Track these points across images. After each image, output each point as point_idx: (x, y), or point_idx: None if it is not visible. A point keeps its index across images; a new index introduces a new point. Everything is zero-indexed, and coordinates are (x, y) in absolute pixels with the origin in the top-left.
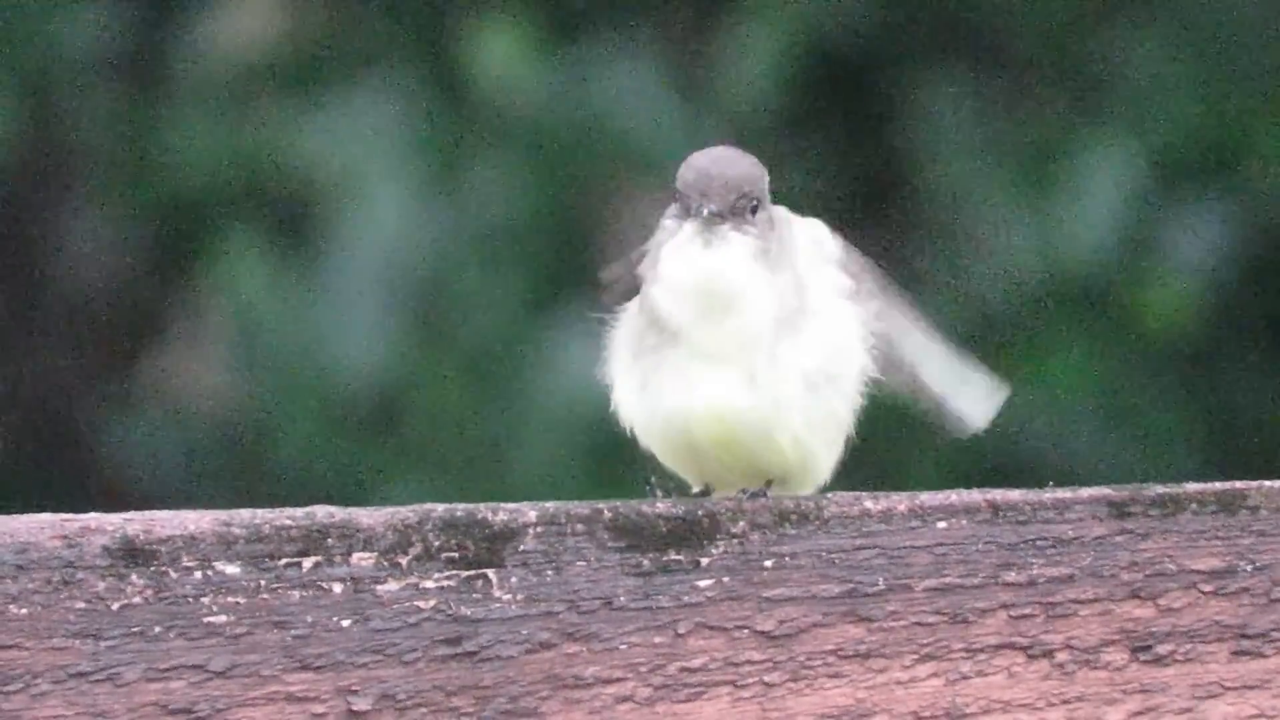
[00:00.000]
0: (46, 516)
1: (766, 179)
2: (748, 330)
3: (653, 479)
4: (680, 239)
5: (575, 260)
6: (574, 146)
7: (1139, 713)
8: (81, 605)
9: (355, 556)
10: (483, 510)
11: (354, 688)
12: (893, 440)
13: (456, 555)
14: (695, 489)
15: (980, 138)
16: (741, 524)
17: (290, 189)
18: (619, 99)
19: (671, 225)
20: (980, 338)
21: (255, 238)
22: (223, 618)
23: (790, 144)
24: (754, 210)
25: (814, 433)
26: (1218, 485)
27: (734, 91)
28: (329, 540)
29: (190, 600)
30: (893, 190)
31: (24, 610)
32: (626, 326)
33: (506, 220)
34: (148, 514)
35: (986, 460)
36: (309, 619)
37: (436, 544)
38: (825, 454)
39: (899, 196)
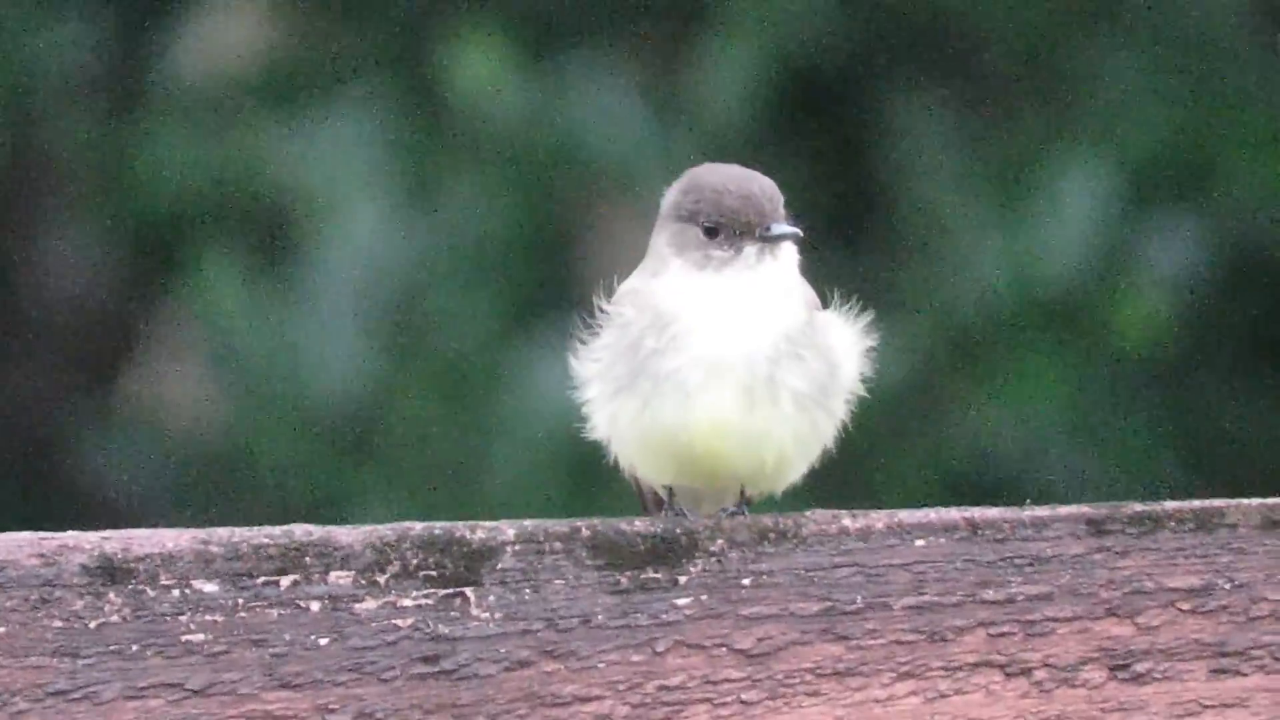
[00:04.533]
0: (24, 535)
1: None
2: (764, 342)
3: (672, 500)
4: (746, 261)
5: (552, 277)
6: (550, 163)
7: None
8: (59, 623)
9: (333, 575)
10: (461, 528)
11: (332, 706)
12: (871, 458)
13: (434, 573)
14: (663, 491)
15: (956, 154)
16: (720, 542)
17: (267, 205)
18: (595, 115)
19: (721, 254)
20: (954, 355)
21: (232, 254)
22: (201, 636)
23: (764, 162)
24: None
25: (797, 449)
26: (1195, 503)
27: (709, 109)
28: (307, 558)
29: (168, 619)
30: (868, 208)
31: (1, 629)
32: (608, 345)
33: (483, 236)
34: (126, 532)
35: (963, 478)
36: (287, 637)
37: (414, 562)
38: (801, 465)
39: (874, 214)
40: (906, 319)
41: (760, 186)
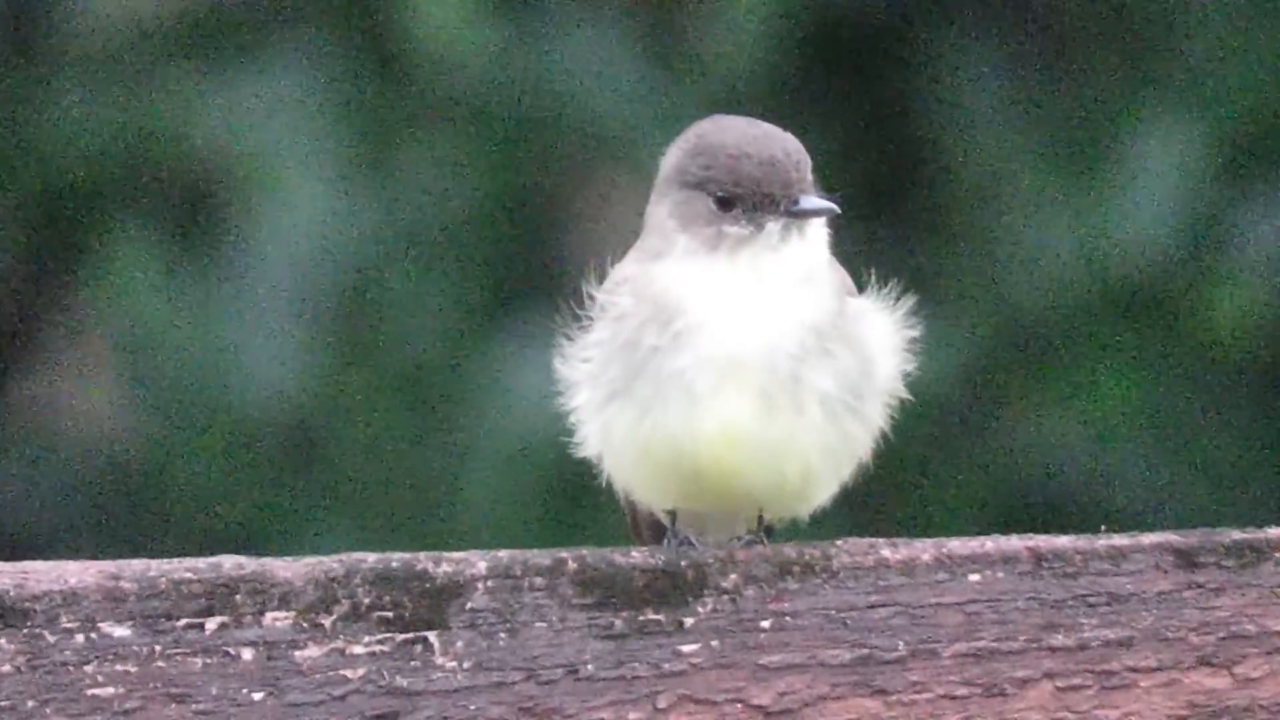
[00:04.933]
0: None
1: None
2: (786, 336)
3: (674, 526)
4: (768, 241)
5: (532, 261)
6: (528, 124)
7: None
8: None
9: (269, 616)
10: (422, 560)
11: None
12: (915, 475)
13: (391, 614)
14: (664, 516)
15: (1016, 115)
16: (733, 577)
17: (191, 176)
18: (581, 67)
19: (738, 231)
20: (1014, 352)
21: (149, 235)
22: (110, 689)
23: (786, 124)
24: None
25: (825, 462)
26: None
27: (718, 59)
28: (238, 596)
29: (71, 668)
30: (910, 180)
31: None
32: (601, 341)
33: (448, 212)
34: (20, 565)
35: (1027, 499)
36: (213, 691)
37: (367, 601)
38: (831, 482)
39: (917, 187)
40: (957, 309)
41: (785, 149)
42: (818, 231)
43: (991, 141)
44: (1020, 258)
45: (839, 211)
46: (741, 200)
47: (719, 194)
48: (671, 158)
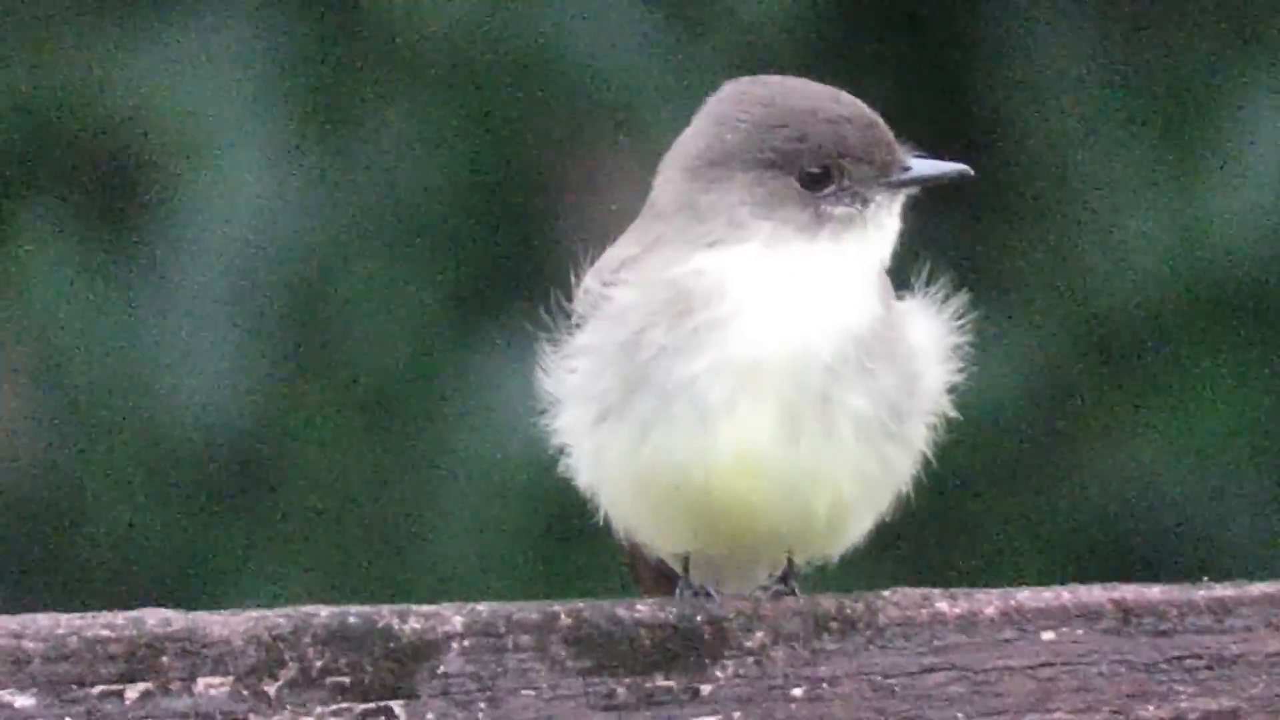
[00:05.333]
0: None
1: None
2: (823, 342)
3: (688, 574)
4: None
5: (517, 251)
6: (513, 88)
7: None
8: None
9: (202, 682)
10: (386, 615)
11: None
12: (976, 511)
13: (348, 680)
14: (674, 560)
15: (1097, 81)
16: (759, 634)
17: (106, 150)
18: (579, 20)
19: (845, 210)
20: (1096, 362)
21: (56, 220)
22: None
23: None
24: None
25: (859, 493)
26: None
27: (741, 12)
28: (164, 658)
29: None
30: (971, 155)
31: None
32: (591, 344)
33: (416, 193)
34: None
35: (1111, 540)
36: None
37: (319, 664)
38: (866, 517)
39: (980, 163)
40: (1026, 310)
41: (860, 110)
42: (898, 208)
43: (1069, 112)
44: (1103, 249)
45: (972, 173)
46: (843, 173)
47: (813, 169)
48: (726, 131)
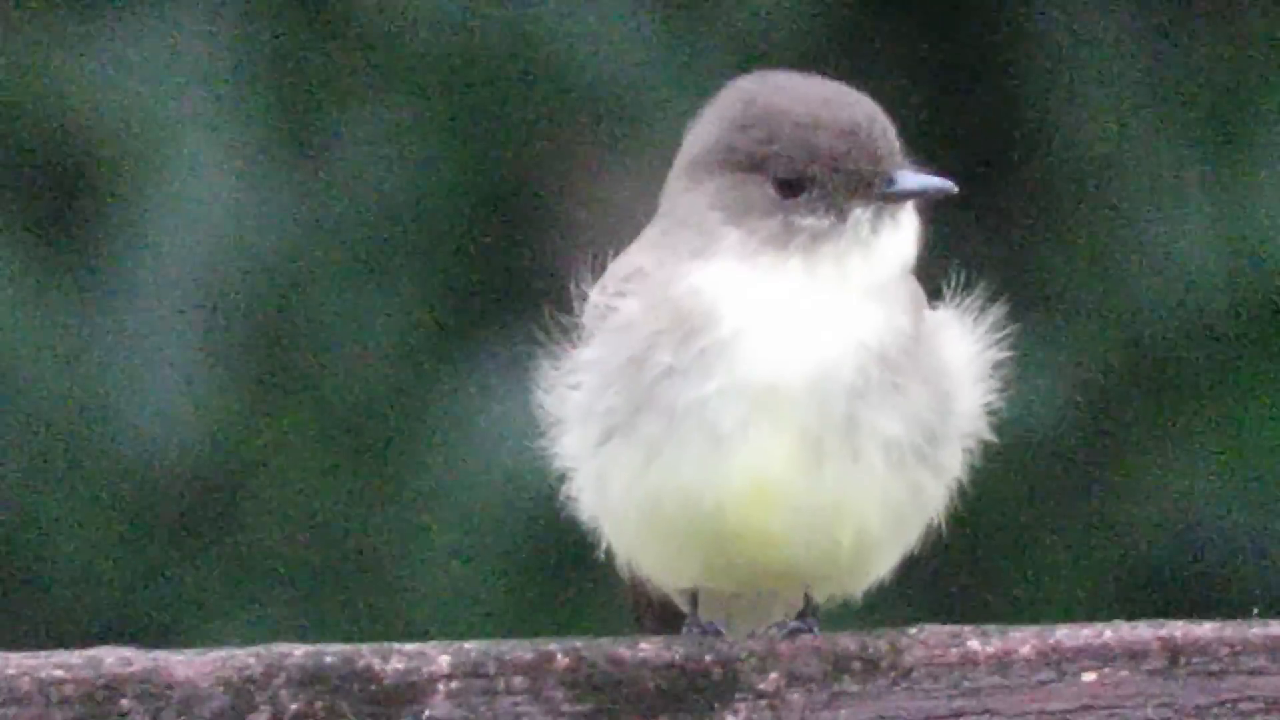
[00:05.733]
0: None
1: None
2: (844, 361)
3: (695, 610)
4: (856, 234)
5: (507, 264)
6: (504, 89)
7: None
8: None
9: None
10: (366, 655)
11: None
12: (1010, 542)
13: None
14: (680, 597)
15: (1140, 78)
16: (774, 676)
17: (60, 156)
18: (574, 17)
19: (814, 223)
20: (1140, 380)
21: (8, 229)
22: None
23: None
24: None
25: (887, 525)
26: None
27: (751, 5)
28: (123, 700)
29: None
30: (1004, 158)
31: None
32: (597, 360)
33: (395, 201)
34: None
35: (1156, 572)
36: None
37: (294, 708)
38: (894, 551)
39: (1014, 167)
40: (1066, 326)
41: (868, 112)
42: (911, 220)
43: (1110, 112)
44: (1148, 260)
45: (955, 190)
46: (816, 183)
47: (784, 176)
48: (707, 130)
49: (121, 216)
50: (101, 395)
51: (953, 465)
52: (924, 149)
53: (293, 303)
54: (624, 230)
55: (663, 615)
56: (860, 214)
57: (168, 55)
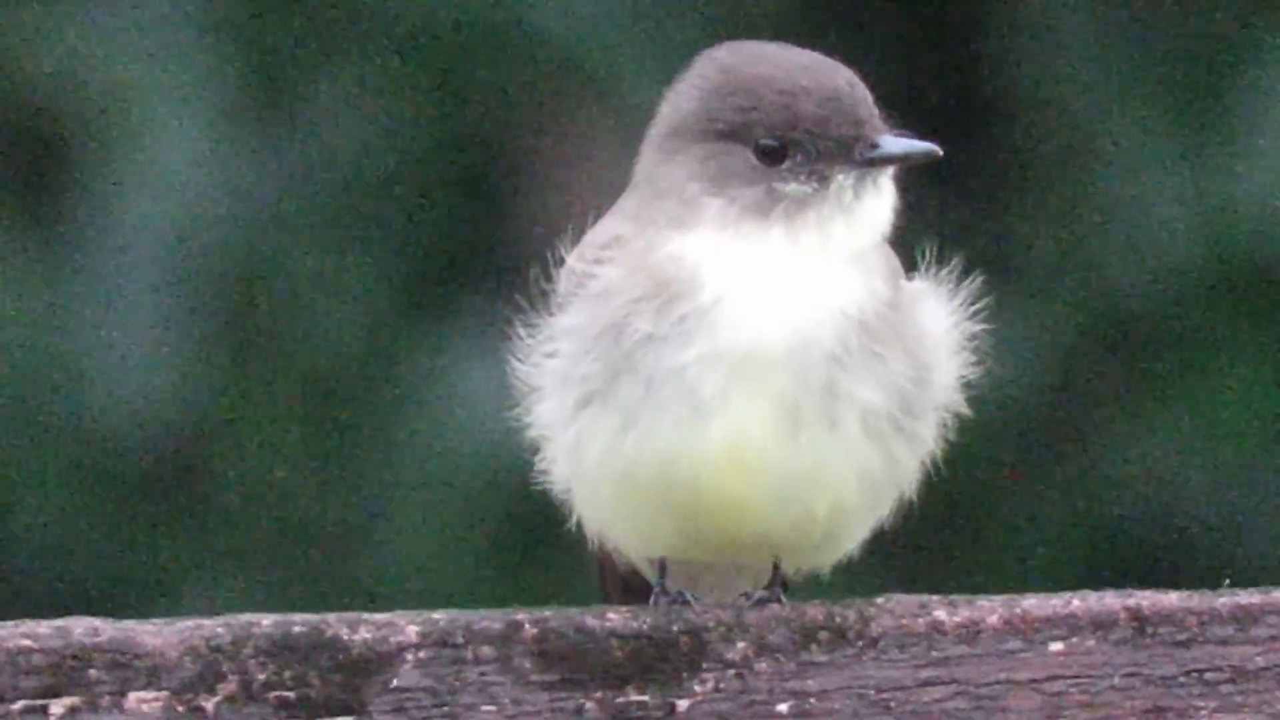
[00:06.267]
0: None
1: None
2: (824, 329)
3: (664, 579)
4: (839, 199)
5: (480, 232)
6: (477, 55)
7: None
8: None
9: (134, 697)
10: (334, 624)
11: None
12: (979, 511)
13: (293, 695)
14: (649, 568)
15: (1113, 45)
16: (741, 645)
17: (28, 121)
18: None
19: (797, 189)
20: (1112, 351)
21: None
22: None
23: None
24: None
25: (863, 496)
26: None
27: None
28: (92, 671)
29: None
30: (977, 126)
31: None
32: (575, 327)
33: (366, 168)
34: None
35: (1124, 542)
36: None
37: (261, 677)
38: (866, 522)
39: (986, 135)
40: (1038, 295)
41: (847, 78)
42: (890, 186)
43: (1083, 79)
44: (1120, 227)
45: (940, 153)
46: (798, 149)
47: (766, 142)
48: (684, 100)
49: (91, 181)
50: (70, 362)
51: (928, 437)
52: (897, 120)
53: (264, 268)
54: (599, 198)
55: (629, 588)
56: (843, 180)
57: (137, 19)
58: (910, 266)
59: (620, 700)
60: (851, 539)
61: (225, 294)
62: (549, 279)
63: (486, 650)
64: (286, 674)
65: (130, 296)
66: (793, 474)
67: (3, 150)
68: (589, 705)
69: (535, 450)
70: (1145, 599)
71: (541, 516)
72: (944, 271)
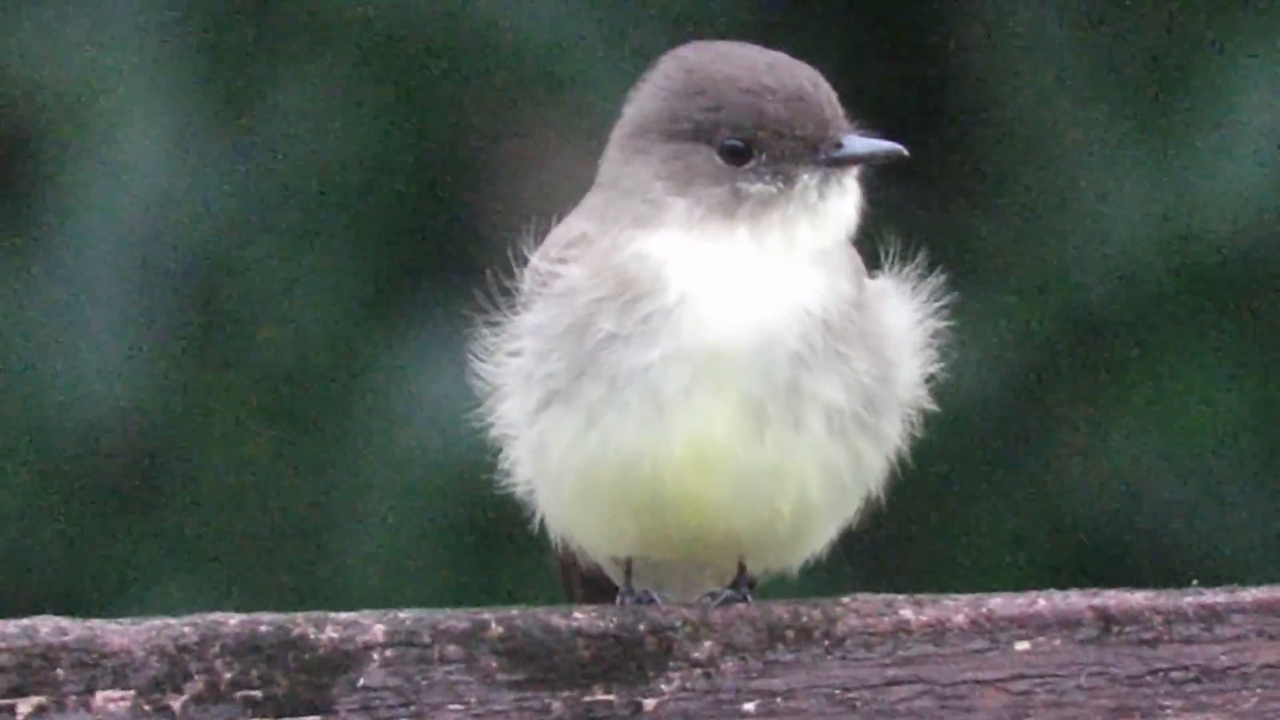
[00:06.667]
0: None
1: None
2: (789, 328)
3: (630, 579)
4: (803, 199)
5: (442, 232)
6: (440, 56)
7: None
8: None
9: (100, 696)
10: (300, 623)
11: None
12: (944, 511)
13: (260, 694)
14: (613, 568)
15: (1076, 42)
16: (708, 644)
17: None
18: None
19: (762, 189)
20: (1076, 351)
21: None
22: None
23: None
24: None
25: (828, 495)
26: None
27: None
28: (58, 671)
29: None
30: (939, 129)
31: None
32: (538, 326)
33: (328, 167)
34: None
35: (1089, 541)
36: None
37: (228, 677)
38: (833, 521)
39: (949, 139)
40: (1001, 295)
41: (813, 79)
42: (854, 187)
43: (1046, 78)
44: (1083, 226)
45: (905, 153)
46: (764, 147)
47: (731, 142)
48: (649, 100)
49: (54, 181)
50: (34, 361)
51: (892, 434)
52: (861, 120)
53: (227, 268)
54: (561, 197)
55: (593, 588)
56: (808, 179)
57: (101, 19)
58: (873, 264)
59: (587, 699)
60: (819, 538)
61: (188, 295)
62: (510, 277)
63: (453, 649)
64: (253, 673)
65: (93, 297)
66: (757, 473)
67: None
68: (555, 704)
69: (498, 450)
70: (1111, 598)
71: (505, 516)
72: (907, 269)
